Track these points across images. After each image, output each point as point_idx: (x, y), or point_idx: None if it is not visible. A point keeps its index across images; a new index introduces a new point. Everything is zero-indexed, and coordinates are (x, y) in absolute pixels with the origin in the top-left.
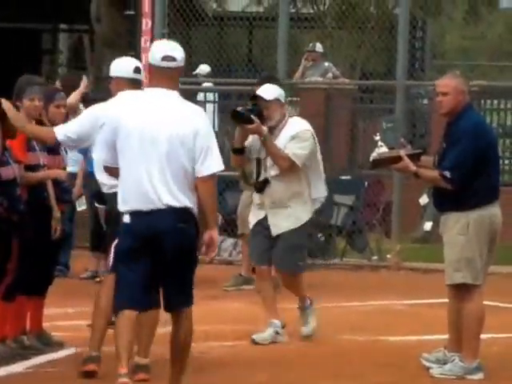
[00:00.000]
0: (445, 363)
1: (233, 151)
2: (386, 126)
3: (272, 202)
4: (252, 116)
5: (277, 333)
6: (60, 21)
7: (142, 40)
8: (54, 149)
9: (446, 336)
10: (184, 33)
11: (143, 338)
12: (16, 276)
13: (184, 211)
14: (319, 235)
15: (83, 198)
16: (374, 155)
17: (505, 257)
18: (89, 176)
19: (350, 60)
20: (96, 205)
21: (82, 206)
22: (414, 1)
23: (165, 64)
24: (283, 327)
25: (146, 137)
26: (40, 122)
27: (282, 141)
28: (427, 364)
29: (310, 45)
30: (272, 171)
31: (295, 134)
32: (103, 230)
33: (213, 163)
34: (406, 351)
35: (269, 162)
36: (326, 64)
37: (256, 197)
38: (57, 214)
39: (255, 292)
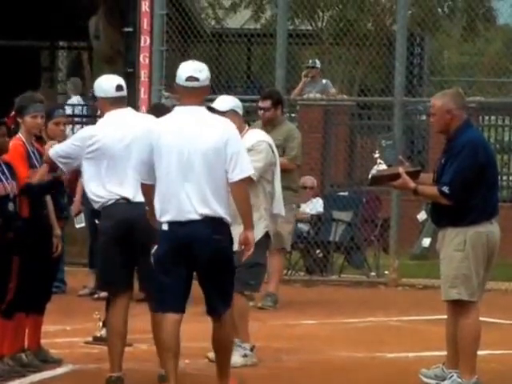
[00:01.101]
0: (443, 379)
1: None
2: (386, 143)
3: None
4: None
5: (245, 355)
6: (59, 38)
7: (141, 57)
8: (52, 167)
9: (445, 352)
10: (182, 50)
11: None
12: (16, 293)
13: (219, 222)
14: (317, 251)
15: (82, 215)
16: (372, 172)
17: (503, 273)
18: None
19: (348, 76)
20: (96, 221)
21: (80, 223)
22: (412, 17)
23: (189, 84)
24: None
25: (181, 152)
26: (40, 139)
27: None
28: (426, 380)
29: (310, 61)
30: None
31: (250, 147)
32: None
33: (243, 168)
34: (405, 367)
35: None
36: (324, 81)
37: None
38: (58, 231)
39: (255, 308)
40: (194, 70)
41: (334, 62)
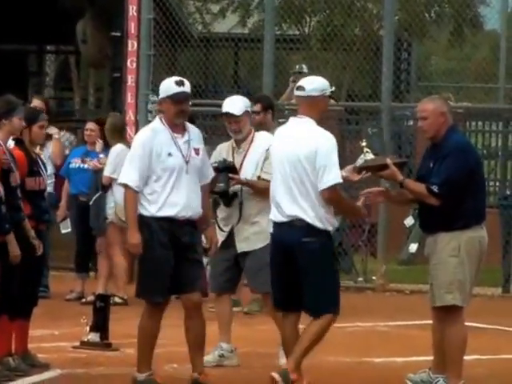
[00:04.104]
0: None
1: None
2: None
3: (240, 217)
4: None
5: (222, 356)
6: (46, 42)
7: (128, 62)
8: (33, 171)
9: (432, 357)
10: (170, 54)
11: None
12: (1, 297)
13: (309, 225)
14: None
15: (68, 220)
16: (359, 162)
17: (489, 279)
18: (72, 198)
19: (335, 81)
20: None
21: (66, 228)
22: (399, 23)
23: (296, 93)
24: (232, 351)
25: (283, 159)
26: (20, 142)
27: (253, 156)
28: None
29: (297, 66)
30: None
31: (267, 155)
32: (88, 251)
33: (330, 178)
34: (392, 372)
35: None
36: None
37: (222, 211)
38: (32, 233)
39: (242, 314)
40: (303, 80)
41: (322, 67)
